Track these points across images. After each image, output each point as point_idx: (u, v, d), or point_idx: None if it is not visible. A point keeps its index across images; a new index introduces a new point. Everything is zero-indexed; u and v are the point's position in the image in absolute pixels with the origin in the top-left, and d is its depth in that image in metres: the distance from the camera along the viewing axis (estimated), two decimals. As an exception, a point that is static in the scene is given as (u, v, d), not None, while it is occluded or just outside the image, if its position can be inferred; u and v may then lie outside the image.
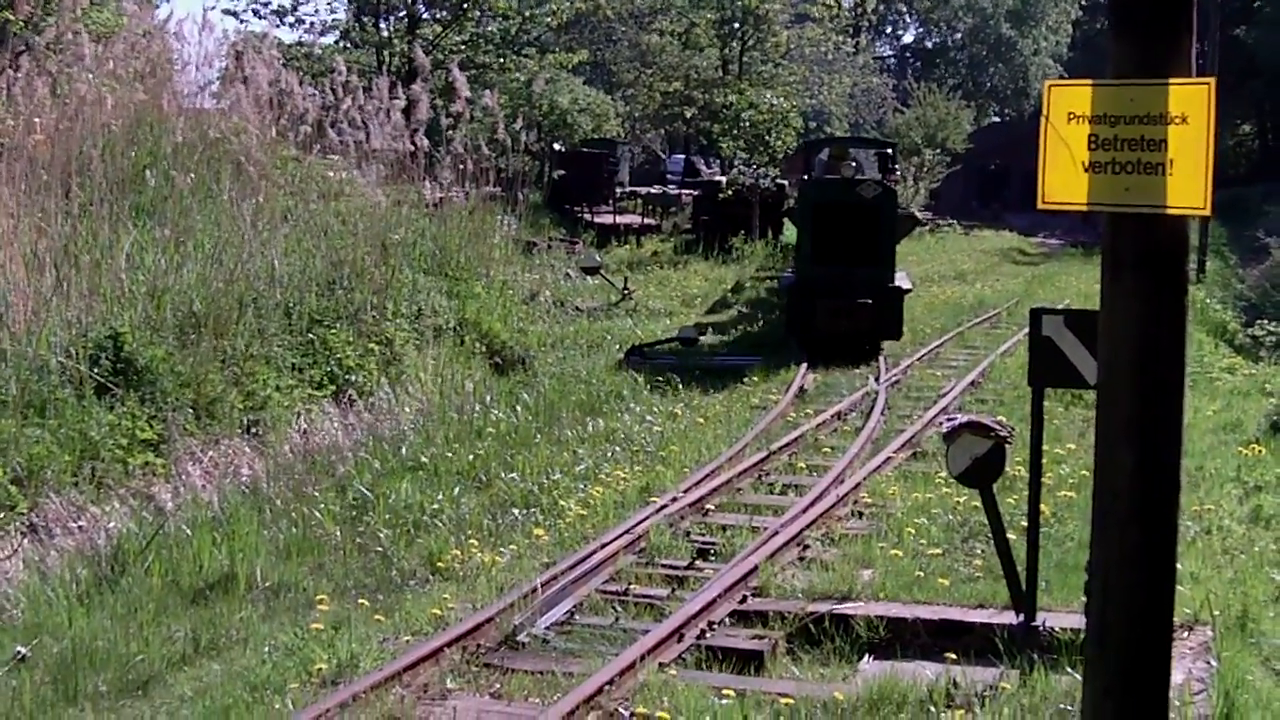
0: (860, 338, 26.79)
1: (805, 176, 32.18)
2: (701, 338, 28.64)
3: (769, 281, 36.69)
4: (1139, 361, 5.16)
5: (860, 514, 14.81)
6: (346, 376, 18.21)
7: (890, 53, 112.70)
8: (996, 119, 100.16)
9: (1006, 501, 13.38)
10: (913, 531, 13.48)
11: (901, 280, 28.08)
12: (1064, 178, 5.48)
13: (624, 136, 57.98)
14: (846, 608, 11.37)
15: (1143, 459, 5.16)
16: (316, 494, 14.98)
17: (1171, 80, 5.19)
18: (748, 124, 46.44)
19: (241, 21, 43.44)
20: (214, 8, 54.31)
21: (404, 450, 17.00)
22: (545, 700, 9.78)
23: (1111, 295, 5.25)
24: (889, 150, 35.27)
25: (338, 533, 13.91)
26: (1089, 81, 5.43)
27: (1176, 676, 9.56)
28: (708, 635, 11.06)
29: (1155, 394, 5.15)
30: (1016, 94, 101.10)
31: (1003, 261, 54.33)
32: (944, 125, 69.87)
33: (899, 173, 38.81)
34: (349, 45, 48.97)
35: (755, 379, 23.53)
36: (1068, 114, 5.45)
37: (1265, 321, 31.43)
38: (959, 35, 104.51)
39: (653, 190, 49.84)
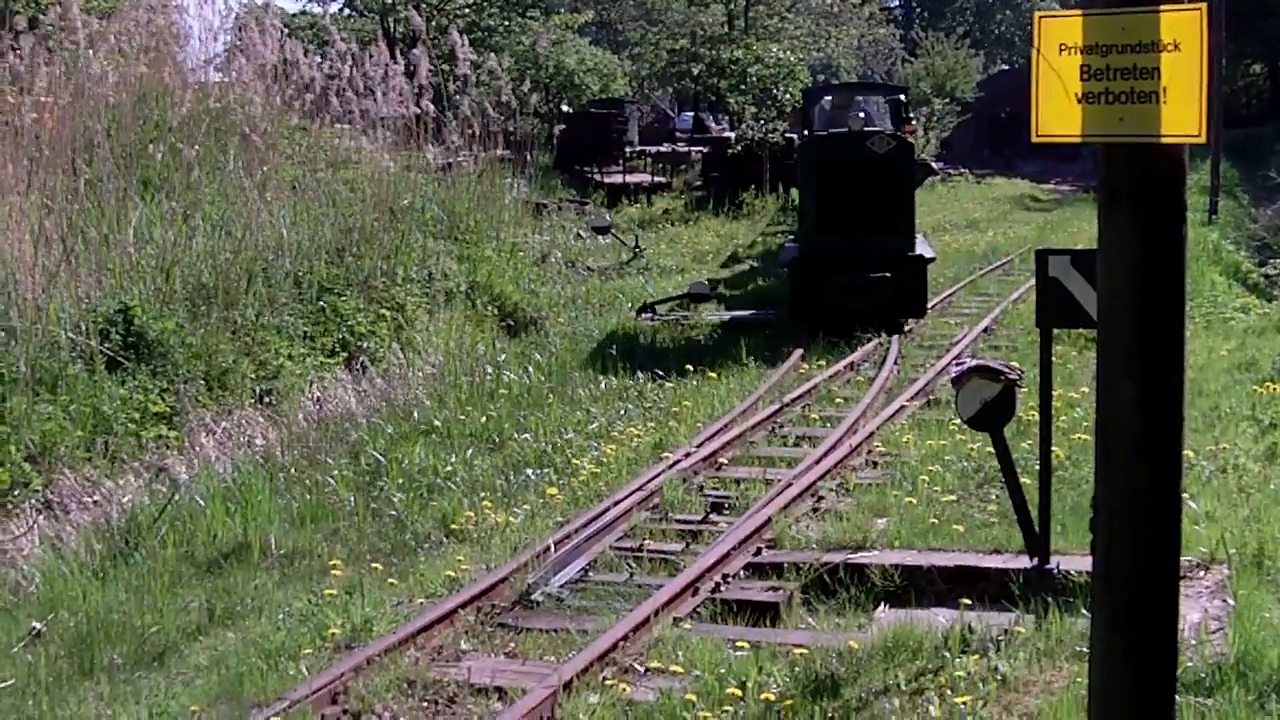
0: (878, 318, 22.89)
1: (806, 131, 29.14)
2: (714, 293, 27.61)
3: (780, 237, 35.25)
4: (1138, 293, 5.12)
5: (874, 463, 14.79)
6: (358, 343, 18.22)
7: (897, 3, 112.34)
8: (1005, 67, 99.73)
9: (1020, 446, 13.36)
10: (927, 479, 13.45)
11: (923, 248, 24.53)
12: (1057, 110, 5.44)
13: (632, 96, 57.77)
14: (861, 557, 11.35)
15: (1145, 391, 5.13)
16: (330, 461, 15.00)
17: (1163, 7, 5.14)
18: (755, 79, 46.18)
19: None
20: (217, -21, 54.26)
21: (416, 415, 17.01)
22: (560, 658, 9.78)
23: (1109, 227, 5.21)
24: (901, 97, 30.52)
25: (351, 499, 13.92)
26: (1079, 11, 5.38)
27: (1193, 615, 9.56)
28: (722, 589, 11.05)
29: (1155, 325, 5.11)
30: (1025, 40, 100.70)
31: (1015, 209, 54.14)
32: (953, 74, 69.67)
33: (914, 123, 34.85)
34: (354, 13, 48.93)
35: (769, 333, 23.45)
36: (1059, 45, 5.40)
37: (1278, 261, 31.32)
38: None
39: (662, 148, 49.66)
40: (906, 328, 23.21)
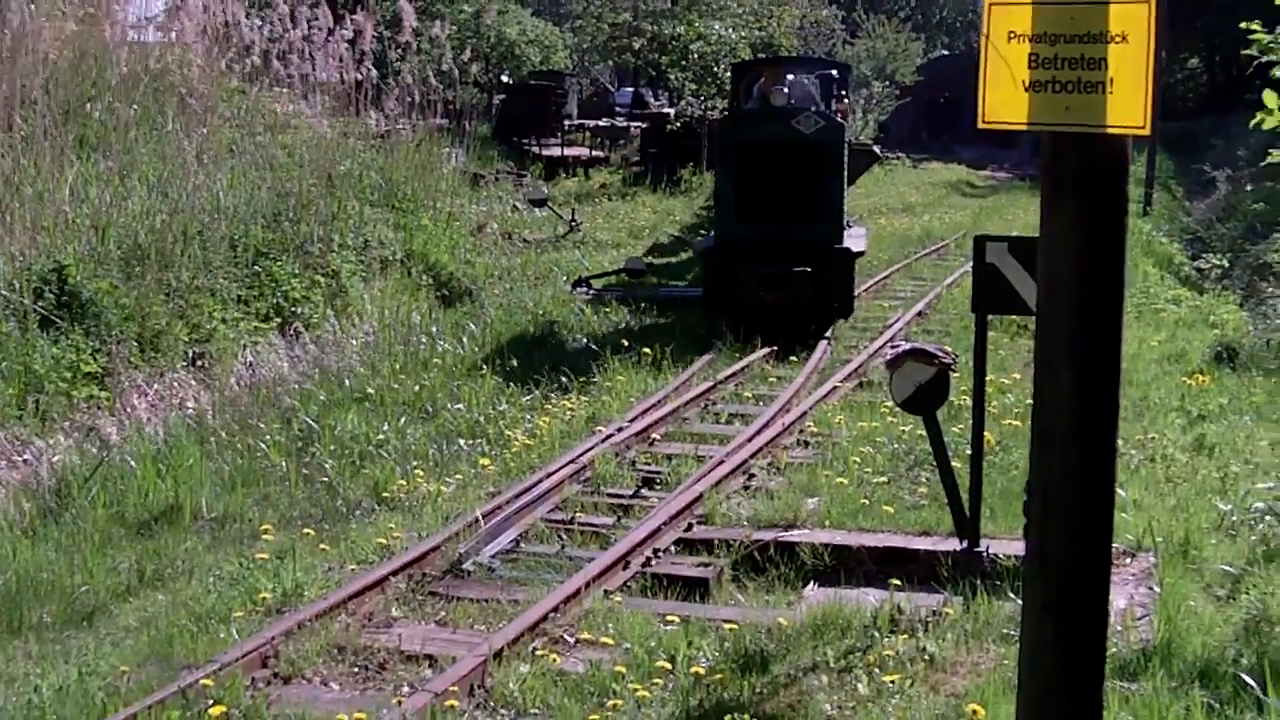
0: (797, 315, 20.81)
1: (731, 107, 27.14)
2: (649, 269, 27.31)
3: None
4: (1079, 282, 5.18)
5: (806, 443, 14.86)
6: (292, 309, 18.13)
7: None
8: (945, 52, 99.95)
9: (952, 430, 13.48)
10: (858, 460, 13.53)
11: (854, 240, 22.36)
12: (1004, 96, 5.47)
13: (572, 69, 57.73)
14: (791, 535, 11.44)
15: (1082, 378, 5.19)
16: (262, 426, 14.96)
17: (1112, -1, 5.19)
18: (696, 56, 46.13)
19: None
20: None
21: (350, 382, 16.97)
22: (490, 627, 9.82)
23: (1052, 215, 5.26)
24: (833, 73, 27.39)
25: (283, 464, 13.89)
26: (1029, 0, 5.43)
27: (1119, 602, 9.66)
28: (653, 563, 11.13)
29: (1095, 314, 5.17)
30: (966, 26, 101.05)
31: (951, 194, 54.35)
32: (893, 57, 69.76)
33: (848, 102, 30.51)
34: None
35: (701, 311, 23.42)
36: (1008, 33, 5.44)
37: (1211, 255, 31.57)
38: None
39: (601, 123, 49.66)
40: (828, 332, 21.07)
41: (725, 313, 21.09)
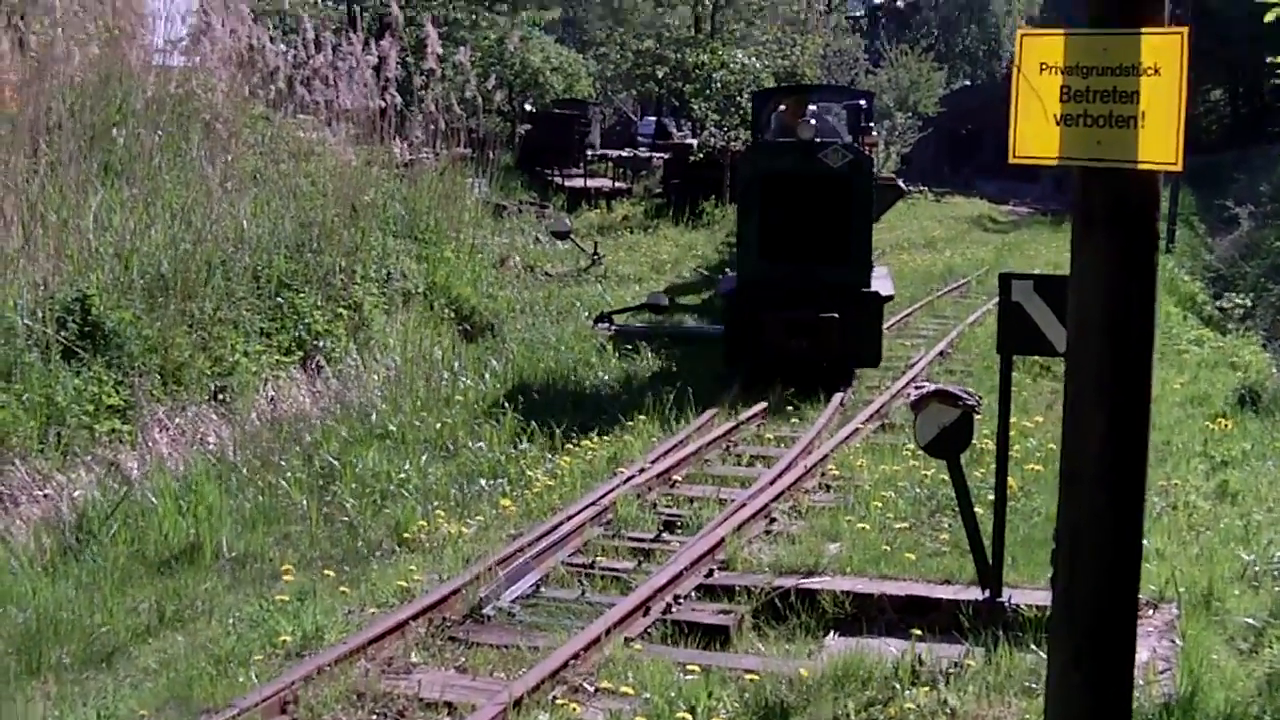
0: (824, 364, 19.91)
1: (752, 138, 25.68)
2: (671, 304, 26.85)
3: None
4: (1109, 319, 5.16)
5: (827, 487, 14.82)
6: (314, 342, 18.11)
7: (862, 13, 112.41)
8: (968, 82, 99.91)
9: (974, 474, 13.38)
10: (880, 505, 13.49)
11: (880, 282, 21.06)
12: (1035, 130, 5.47)
13: (595, 97, 57.75)
14: (812, 582, 11.37)
15: (1113, 419, 5.17)
16: (283, 462, 14.91)
17: (1144, 30, 5.17)
18: (719, 84, 46.13)
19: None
20: (184, -39, 53.96)
21: (372, 418, 16.92)
22: (510, 674, 9.78)
23: (1082, 251, 5.26)
24: (862, 103, 25.59)
25: (304, 502, 13.85)
26: (1062, 31, 5.41)
27: (1141, 655, 9.58)
28: (674, 609, 11.07)
29: (1126, 352, 5.16)
30: (989, 55, 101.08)
31: (973, 229, 54.35)
32: (916, 87, 69.74)
33: (874, 133, 27.54)
34: (320, 1, 48.68)
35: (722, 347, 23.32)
36: (1040, 64, 5.44)
37: (1234, 294, 31.50)
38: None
39: (624, 153, 49.70)
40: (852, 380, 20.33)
41: (747, 361, 20.15)
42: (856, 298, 20.00)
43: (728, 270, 25.03)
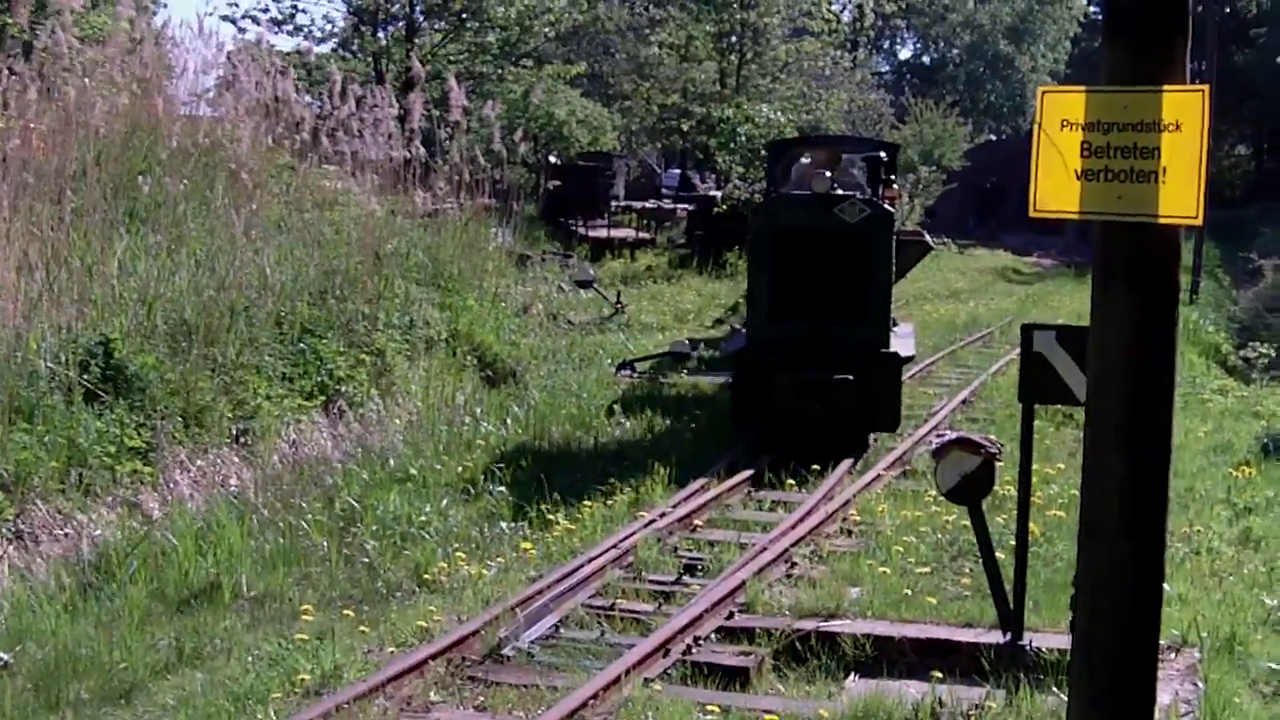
0: (838, 428, 18.60)
1: (768, 191, 24.61)
2: (694, 353, 26.43)
3: None
4: (1130, 371, 5.17)
5: (849, 531, 14.79)
6: (337, 387, 18.14)
7: (888, 68, 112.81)
8: (993, 137, 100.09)
9: (995, 520, 13.37)
10: (901, 549, 13.46)
11: (901, 341, 20.11)
12: (1056, 185, 5.48)
13: (620, 150, 57.95)
14: (833, 625, 11.34)
15: (1133, 468, 5.17)
16: (304, 505, 14.92)
17: (1165, 87, 5.19)
18: (744, 138, 46.29)
19: (239, 29, 43.68)
20: (211, 14, 54.47)
21: (393, 462, 16.93)
22: (529, 714, 9.77)
23: (1104, 303, 5.26)
24: (882, 155, 24.23)
25: (324, 543, 13.85)
26: (1083, 88, 5.44)
27: (1163, 698, 9.54)
28: (694, 651, 11.03)
29: (1146, 403, 5.16)
30: (1013, 111, 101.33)
31: (996, 280, 54.40)
32: (940, 142, 69.88)
33: (896, 187, 26.66)
34: (346, 54, 48.98)
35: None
36: (1061, 121, 5.46)
37: (1257, 344, 31.46)
38: (956, 51, 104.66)
39: (648, 204, 49.84)
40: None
41: (756, 423, 19.03)
42: (874, 358, 18.76)
43: (735, 327, 24.16)
